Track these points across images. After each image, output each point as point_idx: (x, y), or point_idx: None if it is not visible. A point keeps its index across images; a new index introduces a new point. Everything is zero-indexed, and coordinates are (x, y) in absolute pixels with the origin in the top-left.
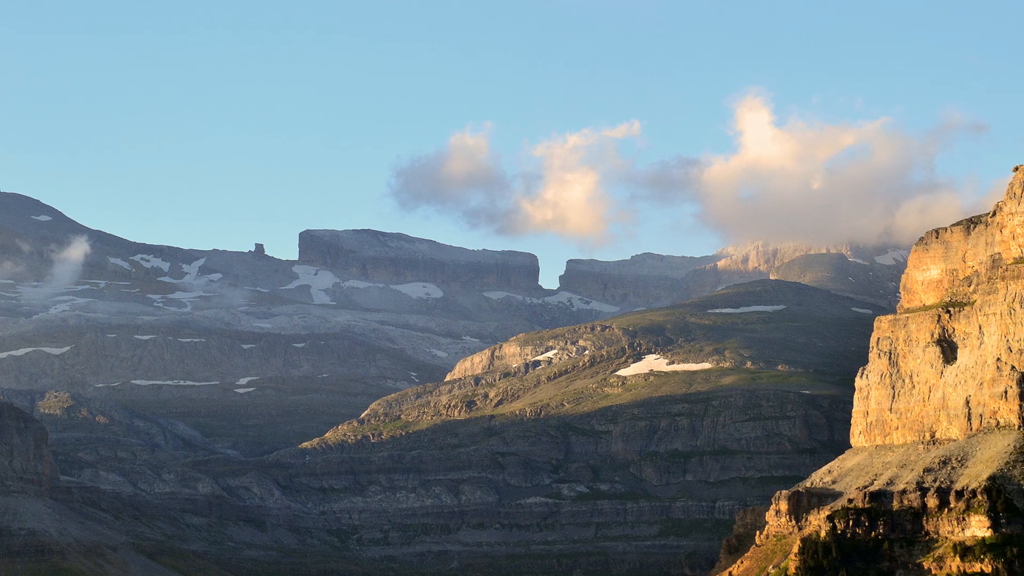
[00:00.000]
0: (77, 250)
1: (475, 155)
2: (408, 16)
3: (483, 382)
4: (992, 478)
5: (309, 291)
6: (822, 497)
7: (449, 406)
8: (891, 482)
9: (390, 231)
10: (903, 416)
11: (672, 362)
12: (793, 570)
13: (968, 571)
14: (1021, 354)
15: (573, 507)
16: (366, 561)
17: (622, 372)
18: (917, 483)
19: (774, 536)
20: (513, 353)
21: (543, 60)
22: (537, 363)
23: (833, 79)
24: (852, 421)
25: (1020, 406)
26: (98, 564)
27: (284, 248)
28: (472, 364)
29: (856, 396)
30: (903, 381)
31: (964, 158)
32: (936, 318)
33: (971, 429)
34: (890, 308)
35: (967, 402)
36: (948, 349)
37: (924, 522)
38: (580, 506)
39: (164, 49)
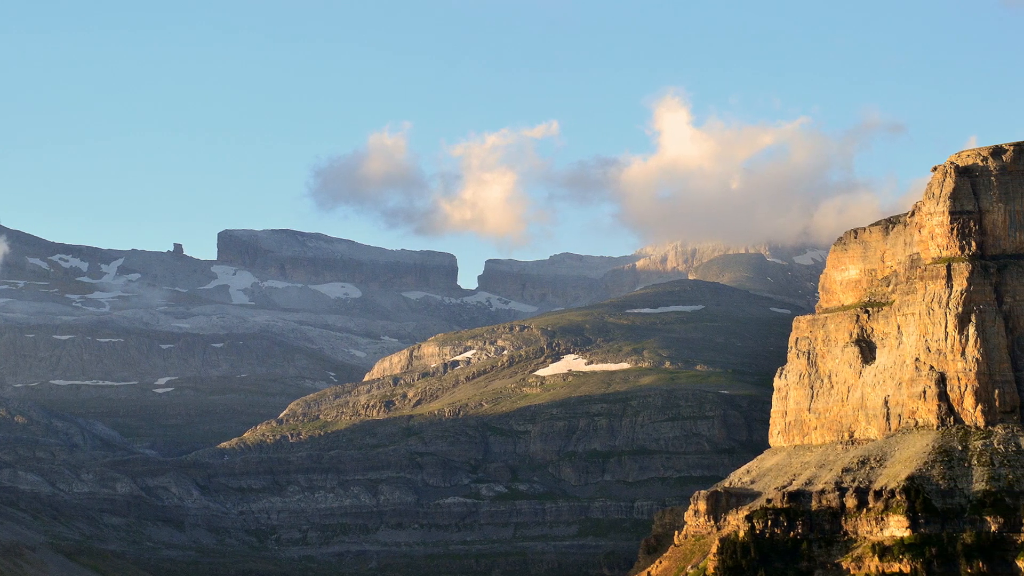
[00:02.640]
0: None
1: (393, 155)
2: (327, 16)
3: (402, 382)
4: (911, 478)
5: (228, 291)
6: (741, 497)
7: (368, 406)
8: (810, 482)
9: (309, 231)
10: (822, 416)
11: (591, 362)
12: (712, 570)
13: (887, 571)
14: (939, 354)
15: (492, 507)
16: (285, 561)
17: (541, 372)
18: (836, 483)
19: (693, 536)
20: (432, 353)
21: (462, 60)
22: (456, 363)
23: (751, 79)
24: (771, 421)
25: (938, 406)
26: (16, 564)
27: (203, 248)
28: (391, 364)
29: (775, 396)
30: (822, 381)
31: (882, 158)
32: (855, 318)
33: (890, 429)
34: (809, 308)
35: (886, 402)
36: (867, 349)
37: (843, 522)
38: (499, 506)
39: (81, 48)
